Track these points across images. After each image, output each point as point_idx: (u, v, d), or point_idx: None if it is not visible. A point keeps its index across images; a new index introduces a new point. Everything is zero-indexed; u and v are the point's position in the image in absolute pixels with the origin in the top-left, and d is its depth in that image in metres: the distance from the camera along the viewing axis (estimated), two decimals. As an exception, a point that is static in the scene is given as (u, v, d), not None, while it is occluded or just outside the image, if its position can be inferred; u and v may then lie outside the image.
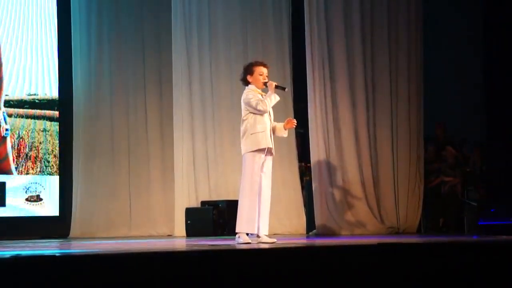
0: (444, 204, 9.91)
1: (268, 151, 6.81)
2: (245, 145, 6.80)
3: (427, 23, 10.22)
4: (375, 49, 9.73)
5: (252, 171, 6.74)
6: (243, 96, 6.84)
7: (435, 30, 11.04)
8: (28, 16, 10.78)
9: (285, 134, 7.05)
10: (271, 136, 6.84)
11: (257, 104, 6.74)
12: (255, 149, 6.75)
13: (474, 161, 10.10)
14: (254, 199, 6.73)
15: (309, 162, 9.73)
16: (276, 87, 6.87)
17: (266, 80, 6.89)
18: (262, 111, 6.77)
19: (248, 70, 6.91)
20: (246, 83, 6.91)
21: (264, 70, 6.90)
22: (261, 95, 6.85)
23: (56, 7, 10.95)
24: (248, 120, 6.80)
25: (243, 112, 6.85)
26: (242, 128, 6.84)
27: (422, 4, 9.89)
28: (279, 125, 6.98)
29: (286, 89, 7.12)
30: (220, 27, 10.57)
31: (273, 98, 6.81)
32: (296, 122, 7.00)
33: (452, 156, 10.13)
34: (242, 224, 6.75)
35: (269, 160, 6.86)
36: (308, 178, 10.11)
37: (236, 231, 6.82)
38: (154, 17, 11.21)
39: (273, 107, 7.05)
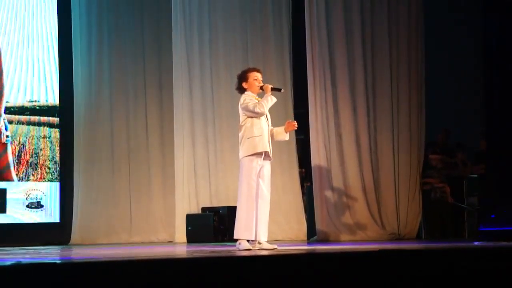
0: (433, 209, 9.92)
1: (266, 156, 6.81)
2: (242, 150, 6.81)
3: (428, 28, 10.23)
4: (376, 54, 9.73)
5: (249, 176, 6.74)
6: (240, 102, 6.86)
7: (436, 35, 11.04)
8: (28, 23, 10.79)
9: (286, 137, 7.04)
10: (269, 141, 6.84)
11: (254, 106, 6.75)
12: (252, 153, 6.75)
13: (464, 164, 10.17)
14: (251, 204, 6.72)
15: (310, 167, 9.72)
16: (272, 89, 6.89)
17: (262, 84, 6.90)
18: (259, 113, 6.77)
19: (243, 77, 6.92)
20: (242, 90, 6.92)
21: (258, 75, 6.92)
22: (258, 100, 6.86)
23: (56, 13, 10.96)
24: (245, 125, 6.81)
25: (241, 118, 6.86)
26: (240, 134, 6.86)
27: (423, 10, 9.88)
28: (280, 129, 6.98)
29: (282, 90, 7.13)
30: (221, 32, 10.59)
31: (270, 100, 6.82)
32: (296, 124, 6.99)
33: (437, 161, 10.14)
34: (241, 231, 6.74)
35: (267, 164, 6.85)
36: (309, 183, 10.11)
37: (234, 237, 6.82)
38: (154, 23, 11.23)
39: (273, 112, 7.06)
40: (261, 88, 6.90)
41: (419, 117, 9.80)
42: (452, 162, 10.28)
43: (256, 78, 6.90)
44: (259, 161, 6.77)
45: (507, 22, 8.52)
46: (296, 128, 7.05)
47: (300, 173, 10.70)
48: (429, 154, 10.15)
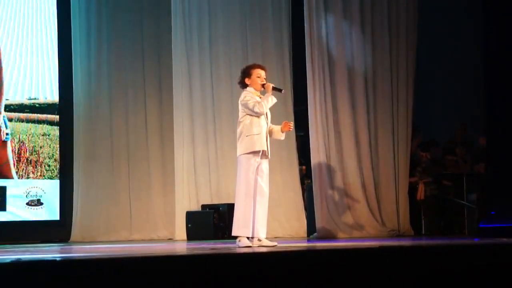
0: (432, 205, 9.94)
1: (263, 154, 6.81)
2: (240, 147, 6.80)
3: (427, 26, 10.23)
4: (375, 52, 9.73)
5: (247, 173, 6.74)
6: (241, 98, 6.85)
7: (435, 33, 11.04)
8: (28, 20, 10.79)
9: (282, 137, 7.04)
10: (267, 139, 6.84)
11: (254, 106, 6.74)
12: (250, 151, 6.75)
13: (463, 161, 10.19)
14: (249, 202, 6.72)
15: (310, 165, 9.72)
16: (273, 89, 6.88)
17: (264, 82, 6.89)
18: (259, 113, 6.77)
19: (246, 72, 6.92)
20: (244, 85, 6.92)
21: (261, 72, 6.91)
22: (259, 97, 6.86)
23: (56, 11, 10.96)
24: (244, 122, 6.81)
25: (240, 114, 6.85)
26: (238, 130, 6.85)
27: (417, 10, 9.84)
28: (277, 128, 6.98)
29: (283, 91, 7.12)
30: (220, 30, 10.59)
31: (270, 100, 6.82)
32: (292, 125, 6.99)
33: (424, 158, 10.16)
34: (239, 228, 6.75)
35: (265, 162, 6.84)
36: (310, 181, 10.11)
37: (233, 234, 6.83)
38: (154, 22, 11.23)
39: (273, 110, 7.05)
40: (263, 86, 6.90)
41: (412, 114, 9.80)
42: (439, 160, 10.30)
43: (259, 75, 6.89)
44: (257, 158, 6.77)
45: (507, 19, 8.52)
46: (291, 129, 7.04)
47: (301, 170, 10.71)
48: (420, 152, 10.18)
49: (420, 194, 9.86)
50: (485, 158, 9.30)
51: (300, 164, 10.66)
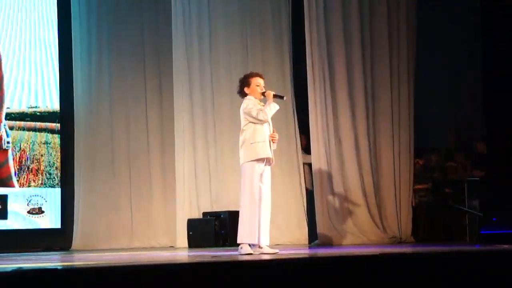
0: (432, 211, 9.96)
1: (267, 161, 6.82)
2: (244, 155, 6.81)
3: (426, 30, 10.24)
4: (375, 59, 9.74)
5: (251, 181, 6.75)
6: (243, 106, 6.86)
7: (434, 37, 11.05)
8: (28, 28, 10.81)
9: (273, 146, 7.03)
10: (270, 146, 6.85)
11: (258, 114, 6.76)
12: (254, 158, 6.77)
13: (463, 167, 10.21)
14: (254, 209, 6.73)
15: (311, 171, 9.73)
16: (274, 96, 6.89)
17: (264, 90, 6.90)
18: (263, 121, 6.79)
19: (245, 82, 6.93)
20: (244, 95, 6.93)
21: (260, 81, 6.93)
22: (261, 105, 6.87)
23: (56, 19, 10.98)
24: (247, 130, 6.82)
25: (243, 122, 6.86)
26: (241, 138, 6.86)
27: (415, 15, 9.87)
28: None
29: (285, 98, 7.14)
30: (221, 37, 10.60)
31: (273, 107, 6.83)
32: (276, 136, 6.92)
33: (419, 165, 10.17)
34: (244, 235, 6.75)
35: (267, 169, 6.87)
36: (310, 188, 10.11)
37: (238, 242, 6.82)
38: (154, 28, 11.24)
39: (274, 117, 7.06)
40: (263, 94, 6.91)
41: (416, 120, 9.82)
42: (439, 167, 10.32)
43: (258, 84, 6.91)
44: (261, 165, 6.79)
45: (505, 25, 8.54)
46: (275, 141, 6.96)
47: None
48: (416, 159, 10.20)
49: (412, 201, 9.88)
50: (484, 163, 9.31)
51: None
